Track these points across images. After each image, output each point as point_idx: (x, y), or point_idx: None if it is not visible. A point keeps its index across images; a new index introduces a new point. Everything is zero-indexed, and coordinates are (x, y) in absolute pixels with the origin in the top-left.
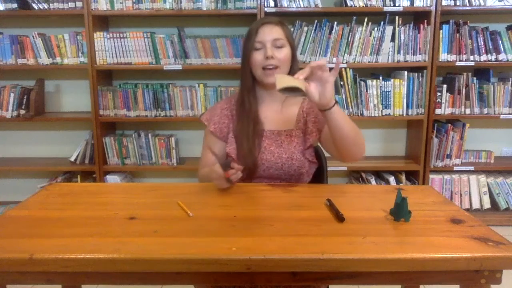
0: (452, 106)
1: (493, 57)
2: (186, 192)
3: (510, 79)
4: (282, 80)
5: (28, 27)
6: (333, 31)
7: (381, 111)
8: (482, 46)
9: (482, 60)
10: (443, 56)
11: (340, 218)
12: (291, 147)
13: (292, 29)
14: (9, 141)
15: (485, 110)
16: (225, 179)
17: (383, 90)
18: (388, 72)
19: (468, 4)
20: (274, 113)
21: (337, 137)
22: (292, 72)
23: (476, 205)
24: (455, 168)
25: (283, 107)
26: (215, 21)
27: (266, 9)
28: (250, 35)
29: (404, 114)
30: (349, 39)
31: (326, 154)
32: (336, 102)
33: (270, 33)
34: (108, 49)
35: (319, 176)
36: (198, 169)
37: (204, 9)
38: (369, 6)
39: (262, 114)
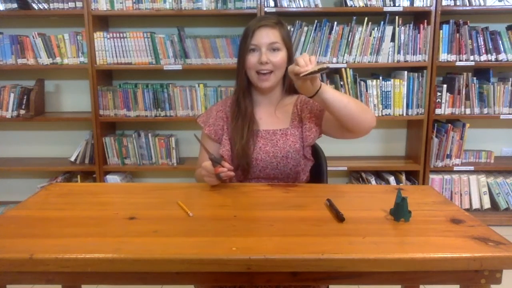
0: (452, 106)
1: (493, 57)
2: (186, 192)
3: (510, 79)
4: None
5: (28, 27)
6: (333, 31)
7: (381, 111)
8: (482, 46)
9: (482, 60)
10: (443, 56)
11: (340, 218)
12: (286, 146)
13: (292, 29)
14: (9, 141)
15: (485, 110)
16: (215, 175)
17: (383, 90)
18: (388, 72)
19: (468, 4)
20: (269, 115)
21: (341, 114)
22: (288, 73)
23: (476, 205)
24: (455, 168)
25: (278, 108)
26: (215, 21)
27: (266, 9)
28: (246, 36)
29: (404, 114)
30: (349, 39)
31: (326, 154)
32: (322, 81)
33: (267, 36)
34: (108, 49)
35: (319, 176)
36: (195, 169)
37: (204, 9)
38: (369, 6)
39: (257, 115)
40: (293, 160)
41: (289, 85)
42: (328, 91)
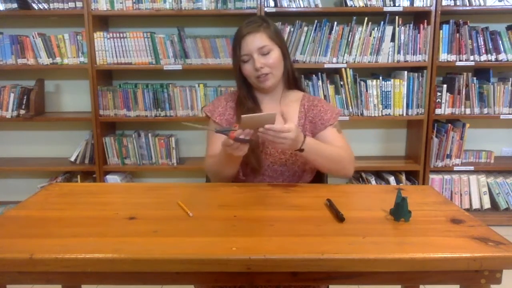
0: (452, 106)
1: (493, 57)
2: (186, 192)
3: (510, 79)
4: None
5: (28, 27)
6: (333, 31)
7: (381, 111)
8: (482, 46)
9: (482, 60)
10: (443, 56)
11: (340, 218)
12: None
13: (292, 29)
14: (9, 141)
15: (485, 110)
16: (236, 141)
17: (383, 90)
18: (388, 72)
19: (468, 4)
20: (274, 111)
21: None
22: (285, 69)
23: (476, 205)
24: (455, 168)
25: (282, 105)
26: (215, 21)
27: (266, 9)
28: (235, 48)
29: (404, 114)
30: (349, 39)
31: None
32: (301, 150)
33: (253, 43)
34: (108, 49)
35: (319, 176)
36: (205, 162)
37: (204, 9)
38: (369, 6)
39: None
40: (302, 158)
41: (290, 80)
42: (309, 154)
